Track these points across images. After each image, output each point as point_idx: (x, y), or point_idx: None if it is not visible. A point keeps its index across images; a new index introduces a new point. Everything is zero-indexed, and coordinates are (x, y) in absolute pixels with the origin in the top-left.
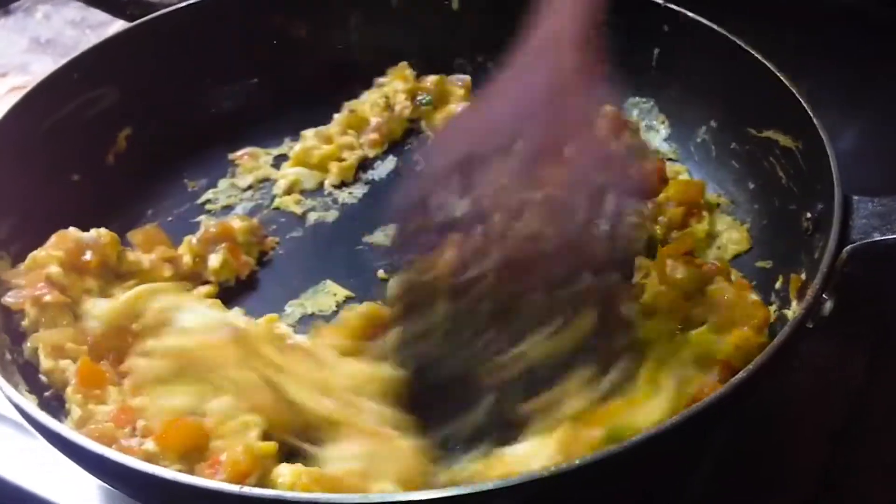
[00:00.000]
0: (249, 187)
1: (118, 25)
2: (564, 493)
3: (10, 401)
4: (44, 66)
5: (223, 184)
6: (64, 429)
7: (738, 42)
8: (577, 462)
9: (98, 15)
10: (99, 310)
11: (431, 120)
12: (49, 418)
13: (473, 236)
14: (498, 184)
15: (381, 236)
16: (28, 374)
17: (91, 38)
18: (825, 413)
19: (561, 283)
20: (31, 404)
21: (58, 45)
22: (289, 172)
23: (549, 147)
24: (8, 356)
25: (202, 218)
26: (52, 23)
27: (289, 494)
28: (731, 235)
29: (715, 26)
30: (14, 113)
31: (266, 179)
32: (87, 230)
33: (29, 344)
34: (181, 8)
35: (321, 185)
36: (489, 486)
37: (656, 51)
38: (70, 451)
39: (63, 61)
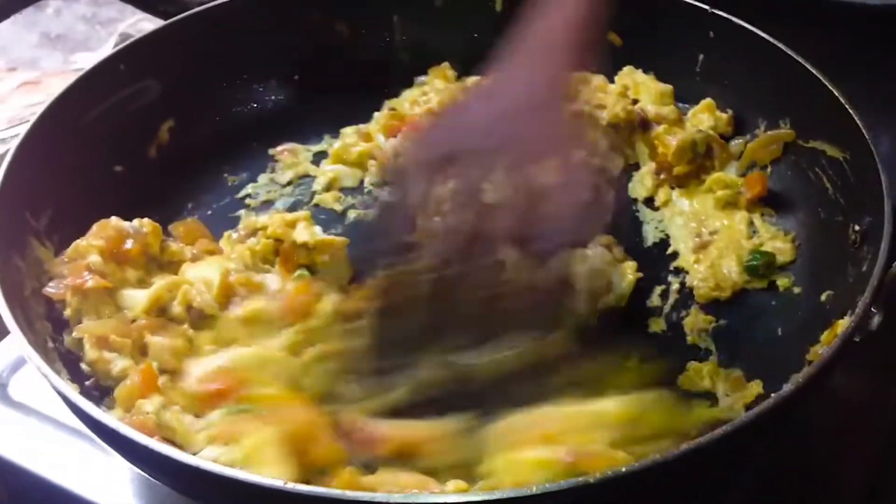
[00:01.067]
0: (289, 183)
1: (129, 22)
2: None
3: (55, 388)
4: (54, 62)
5: (263, 179)
6: (107, 417)
7: (787, 50)
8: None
9: (109, 11)
10: (133, 300)
11: None
12: (93, 406)
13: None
14: (475, 186)
15: None
16: (69, 364)
17: (102, 35)
18: (868, 434)
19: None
20: (74, 392)
21: (68, 41)
22: (328, 169)
23: (527, 159)
24: (50, 344)
25: (241, 213)
26: (62, 18)
27: (333, 493)
28: (776, 245)
29: (762, 33)
30: (58, 103)
31: (306, 175)
32: (128, 220)
33: (74, 334)
34: (226, 3)
35: (361, 182)
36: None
37: (701, 57)
38: (112, 440)
39: (71, 56)
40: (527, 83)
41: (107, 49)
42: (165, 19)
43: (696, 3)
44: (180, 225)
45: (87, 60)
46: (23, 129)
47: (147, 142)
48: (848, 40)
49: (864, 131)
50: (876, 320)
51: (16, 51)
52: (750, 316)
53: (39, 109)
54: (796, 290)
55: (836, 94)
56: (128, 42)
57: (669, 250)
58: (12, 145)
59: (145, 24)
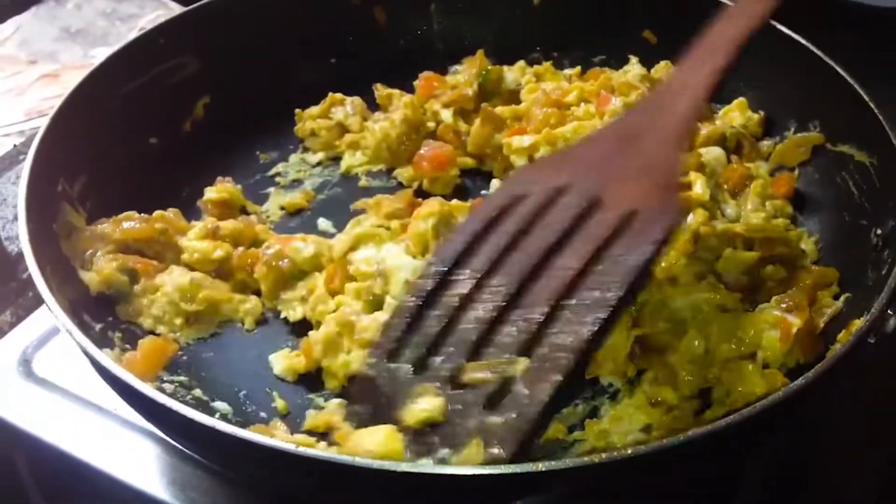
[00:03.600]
0: (319, 163)
1: (149, 18)
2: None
3: (88, 355)
4: (73, 56)
5: (294, 158)
6: (138, 382)
7: (820, 54)
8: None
9: (129, 7)
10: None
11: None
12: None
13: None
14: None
15: None
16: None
17: (121, 30)
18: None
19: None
20: (107, 359)
21: (88, 35)
22: (359, 153)
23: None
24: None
25: (271, 190)
26: (83, 13)
27: (343, 458)
28: (800, 246)
29: (797, 36)
30: (97, 73)
31: (336, 158)
32: (160, 192)
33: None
34: None
35: (390, 168)
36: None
37: None
38: (140, 404)
39: (91, 51)
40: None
41: None
42: (186, 5)
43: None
44: (208, 202)
45: (107, 55)
46: (63, 96)
47: (183, 116)
48: (878, 43)
49: (892, 137)
50: (892, 322)
51: (36, 44)
52: None
53: (57, 102)
54: None
55: (867, 99)
56: (170, 17)
57: None
58: (50, 113)
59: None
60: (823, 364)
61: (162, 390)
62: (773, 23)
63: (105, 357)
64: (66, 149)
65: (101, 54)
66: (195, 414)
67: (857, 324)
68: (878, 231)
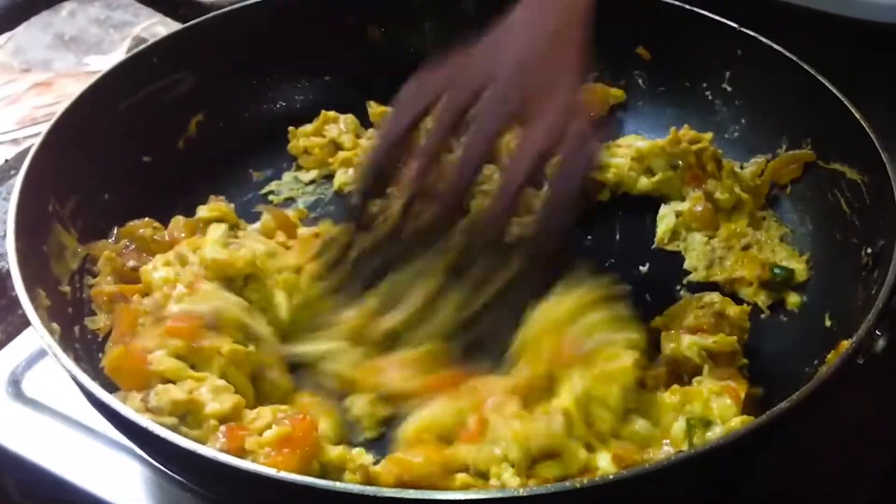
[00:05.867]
0: (312, 182)
1: (143, 26)
2: None
3: (76, 381)
4: (67, 64)
5: (287, 176)
6: (128, 410)
7: (812, 71)
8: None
9: (123, 15)
10: None
11: None
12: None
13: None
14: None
15: None
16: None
17: (115, 38)
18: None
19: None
20: (95, 385)
21: (81, 43)
22: (352, 171)
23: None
24: (71, 335)
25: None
26: (76, 20)
27: (326, 484)
28: (790, 265)
29: (789, 54)
30: (90, 92)
31: (329, 176)
32: (152, 211)
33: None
34: (261, 2)
35: None
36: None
37: (727, 74)
38: (130, 432)
39: (84, 58)
40: (530, 36)
41: (120, 53)
42: (183, 23)
43: (724, 21)
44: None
45: (100, 63)
46: (55, 115)
47: (176, 134)
48: (867, 56)
49: (883, 156)
50: (881, 343)
51: (29, 52)
52: (757, 331)
53: (51, 110)
54: (805, 308)
55: (858, 116)
56: (162, 36)
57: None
58: (43, 130)
59: (159, 27)
60: (811, 384)
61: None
62: (764, 39)
63: (89, 379)
64: (58, 168)
65: (94, 62)
66: (172, 436)
67: (846, 345)
68: (869, 250)
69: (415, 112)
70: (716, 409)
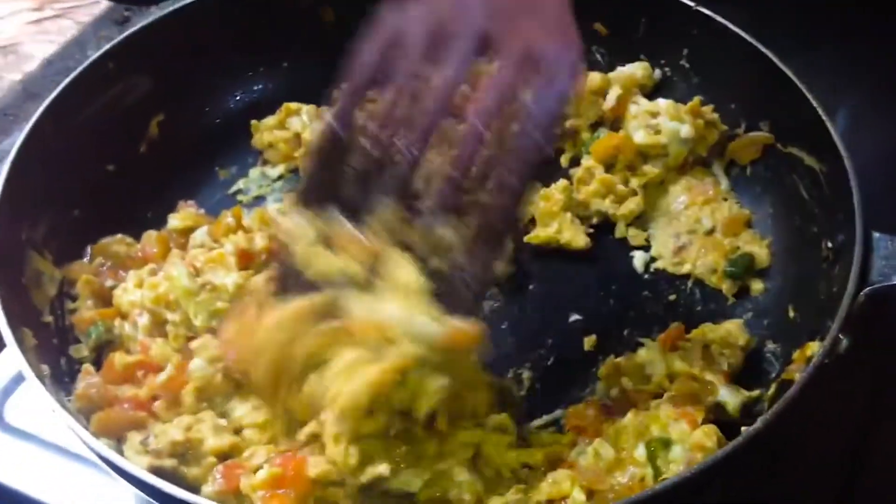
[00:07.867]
0: (280, 177)
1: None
2: None
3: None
4: None
5: (254, 173)
6: (122, 460)
7: (770, 54)
8: None
9: None
10: None
11: None
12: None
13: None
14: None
15: None
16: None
17: None
18: (835, 444)
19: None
20: (85, 432)
21: None
22: None
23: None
24: (56, 363)
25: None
26: None
27: None
28: (752, 250)
29: (745, 35)
30: (48, 112)
31: (296, 170)
32: (123, 221)
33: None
34: None
35: None
36: None
37: (685, 51)
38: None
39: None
40: None
41: None
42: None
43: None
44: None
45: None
46: (17, 143)
47: (138, 139)
48: (819, 10)
49: (841, 149)
50: (844, 344)
51: None
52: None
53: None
54: (768, 296)
55: (815, 104)
56: (116, 40)
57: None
58: (6, 162)
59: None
60: (781, 403)
61: None
62: (720, 19)
63: (75, 422)
64: (25, 194)
65: None
66: (171, 488)
67: (812, 346)
68: (829, 244)
69: (388, 37)
70: (673, 431)
